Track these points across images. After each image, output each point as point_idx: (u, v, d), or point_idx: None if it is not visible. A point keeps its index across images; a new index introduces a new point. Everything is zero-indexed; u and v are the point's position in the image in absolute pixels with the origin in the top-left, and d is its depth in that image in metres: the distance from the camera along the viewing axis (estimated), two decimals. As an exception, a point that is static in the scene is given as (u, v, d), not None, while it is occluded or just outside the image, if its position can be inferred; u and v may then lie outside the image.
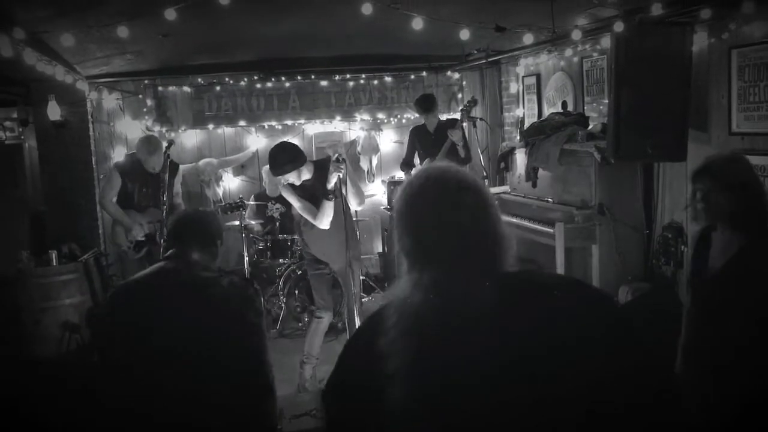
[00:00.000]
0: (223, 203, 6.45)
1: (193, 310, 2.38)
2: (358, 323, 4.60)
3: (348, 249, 4.55)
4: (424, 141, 6.30)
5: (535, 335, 1.27)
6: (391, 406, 1.27)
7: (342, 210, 4.57)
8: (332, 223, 4.59)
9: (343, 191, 4.50)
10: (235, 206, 5.89)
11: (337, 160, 4.40)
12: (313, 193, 4.61)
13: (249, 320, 2.46)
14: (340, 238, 4.57)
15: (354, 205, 4.83)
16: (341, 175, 4.42)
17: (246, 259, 6.17)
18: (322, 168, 4.62)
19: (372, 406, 1.32)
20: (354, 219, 5.07)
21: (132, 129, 7.07)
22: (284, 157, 4.51)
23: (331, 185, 4.46)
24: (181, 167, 5.98)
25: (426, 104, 6.20)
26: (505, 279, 1.36)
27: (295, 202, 4.63)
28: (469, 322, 1.26)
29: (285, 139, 7.34)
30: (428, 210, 1.38)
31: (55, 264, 5.57)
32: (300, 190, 4.62)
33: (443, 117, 6.72)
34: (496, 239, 1.39)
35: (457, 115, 7.29)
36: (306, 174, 4.58)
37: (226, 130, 7.44)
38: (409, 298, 1.32)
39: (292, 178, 4.53)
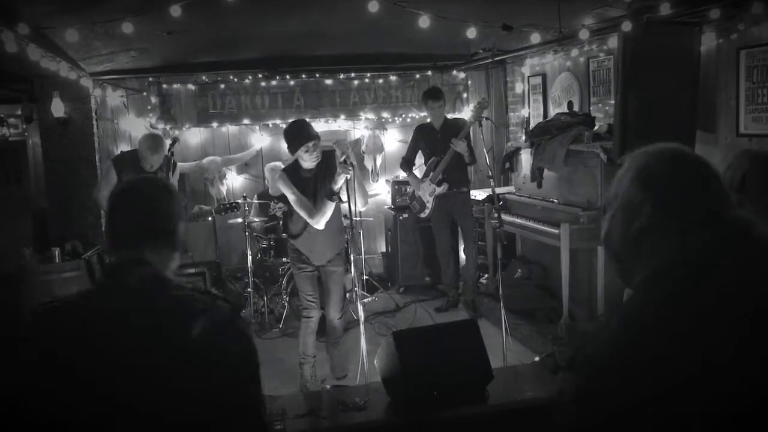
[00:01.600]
0: (226, 202, 6.44)
1: (154, 357, 1.53)
2: (361, 317, 4.51)
3: (337, 248, 4.65)
4: (429, 139, 6.25)
5: None
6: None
7: (339, 210, 4.51)
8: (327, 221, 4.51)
9: (348, 194, 4.36)
10: (229, 207, 5.87)
11: (345, 162, 4.28)
12: (314, 188, 4.49)
13: (240, 375, 1.62)
14: (328, 236, 4.55)
15: (359, 206, 4.70)
16: (349, 177, 4.30)
17: (249, 257, 6.16)
18: (326, 161, 4.50)
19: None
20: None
21: (136, 126, 7.05)
22: (309, 129, 4.45)
23: (338, 186, 4.36)
24: (180, 165, 5.93)
25: (432, 92, 6.19)
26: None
27: (290, 195, 4.47)
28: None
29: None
30: (697, 182, 1.41)
31: (57, 261, 5.56)
32: (300, 182, 4.48)
33: (450, 116, 6.66)
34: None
35: (464, 115, 7.26)
36: (314, 159, 4.45)
37: (230, 128, 7.42)
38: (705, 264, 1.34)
39: (307, 156, 4.39)
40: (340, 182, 4.32)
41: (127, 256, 1.69)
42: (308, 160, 4.43)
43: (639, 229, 1.41)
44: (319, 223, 4.46)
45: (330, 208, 4.43)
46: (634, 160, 1.46)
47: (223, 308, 1.65)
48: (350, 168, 4.27)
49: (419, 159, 6.53)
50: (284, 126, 7.31)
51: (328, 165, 4.45)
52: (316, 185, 4.49)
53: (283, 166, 6.76)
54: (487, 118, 5.84)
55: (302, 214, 4.47)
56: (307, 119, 7.32)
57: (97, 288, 1.77)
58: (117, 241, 1.73)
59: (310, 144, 4.36)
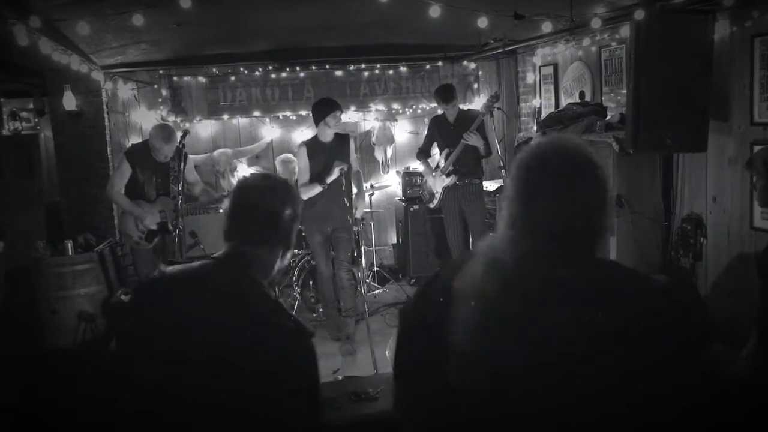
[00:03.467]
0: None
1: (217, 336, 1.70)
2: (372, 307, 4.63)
3: (345, 220, 5.22)
4: (444, 131, 6.20)
5: (595, 322, 1.32)
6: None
7: (342, 191, 5.17)
8: (336, 192, 5.17)
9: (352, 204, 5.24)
10: None
11: (340, 171, 5.11)
12: (327, 157, 5.25)
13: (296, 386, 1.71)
14: (338, 203, 5.18)
15: (357, 213, 5.50)
16: (339, 175, 5.13)
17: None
18: (341, 140, 5.39)
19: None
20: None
21: (147, 119, 7.07)
22: (336, 101, 5.44)
23: (330, 178, 5.16)
24: (191, 158, 5.89)
25: (445, 95, 6.06)
26: (588, 264, 1.42)
27: (301, 164, 5.35)
28: (544, 294, 1.34)
29: (301, 130, 7.40)
30: (547, 184, 1.42)
31: (70, 253, 5.59)
32: (319, 150, 5.29)
33: (464, 107, 6.61)
34: (593, 227, 1.43)
35: (475, 105, 7.23)
36: (337, 127, 5.37)
37: (241, 121, 7.43)
38: (503, 257, 1.41)
39: (333, 123, 5.29)
40: (334, 175, 5.14)
41: (236, 244, 1.87)
42: (333, 126, 5.31)
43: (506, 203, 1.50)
44: (302, 195, 5.13)
45: (316, 190, 5.25)
46: None
47: (293, 322, 1.74)
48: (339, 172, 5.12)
49: (435, 150, 6.50)
50: (294, 118, 7.42)
51: (341, 144, 5.36)
52: (329, 155, 5.27)
53: (294, 158, 6.80)
54: (499, 108, 5.81)
55: (299, 181, 5.32)
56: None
57: (200, 267, 1.88)
58: (232, 229, 1.90)
59: (338, 112, 5.33)
